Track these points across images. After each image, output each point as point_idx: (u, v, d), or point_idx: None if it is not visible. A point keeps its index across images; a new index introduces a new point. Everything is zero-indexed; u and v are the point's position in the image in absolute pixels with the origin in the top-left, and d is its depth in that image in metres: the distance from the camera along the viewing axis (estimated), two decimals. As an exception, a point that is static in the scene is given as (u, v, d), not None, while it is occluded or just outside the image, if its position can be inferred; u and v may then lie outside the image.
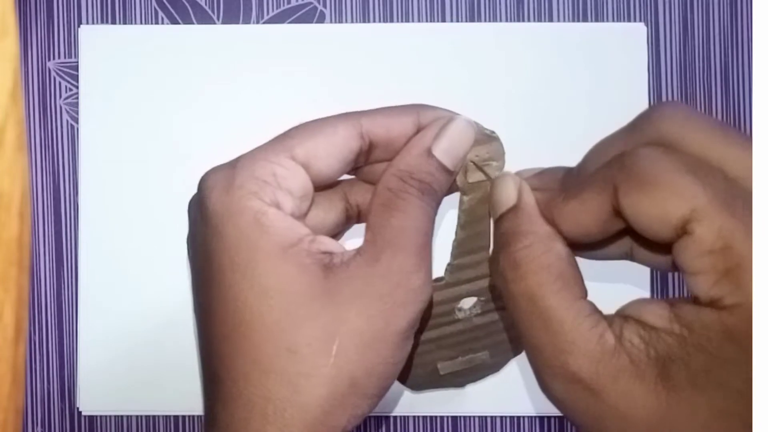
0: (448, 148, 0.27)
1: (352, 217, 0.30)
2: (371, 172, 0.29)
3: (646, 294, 0.42)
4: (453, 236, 0.29)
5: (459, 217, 0.29)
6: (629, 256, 0.27)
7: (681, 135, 0.23)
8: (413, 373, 0.31)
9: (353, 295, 0.25)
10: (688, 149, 0.23)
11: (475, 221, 0.29)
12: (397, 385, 0.29)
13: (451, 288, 0.30)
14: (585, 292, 0.25)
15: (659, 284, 0.42)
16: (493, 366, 0.32)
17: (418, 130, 0.28)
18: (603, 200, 0.23)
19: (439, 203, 0.28)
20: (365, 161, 0.28)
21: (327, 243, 0.26)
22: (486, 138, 0.28)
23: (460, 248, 0.29)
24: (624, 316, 0.24)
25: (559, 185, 0.26)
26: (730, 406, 0.21)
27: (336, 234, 0.30)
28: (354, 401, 0.25)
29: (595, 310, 0.24)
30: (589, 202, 0.24)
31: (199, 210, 0.27)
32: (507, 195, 0.27)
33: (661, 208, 0.22)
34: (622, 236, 0.27)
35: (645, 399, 0.22)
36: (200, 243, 0.27)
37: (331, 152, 0.27)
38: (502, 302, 0.27)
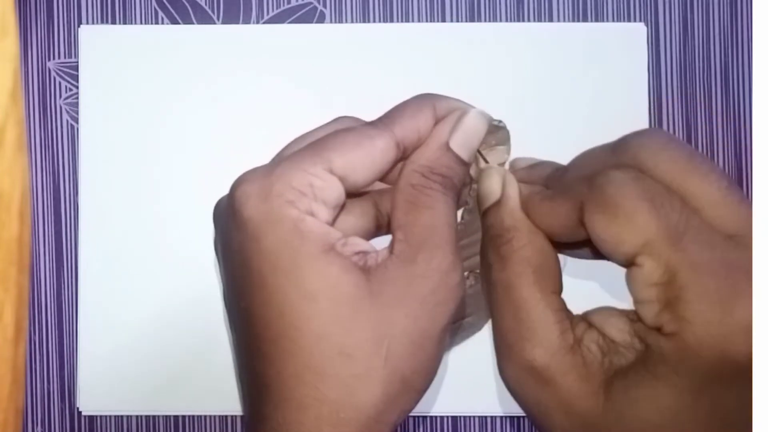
0: (463, 140, 0.28)
1: (382, 226, 0.30)
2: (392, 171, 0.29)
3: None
4: (459, 219, 0.30)
5: (467, 202, 0.30)
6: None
7: (654, 163, 0.24)
8: None
9: (397, 297, 0.26)
10: (658, 177, 0.24)
11: (477, 222, 0.30)
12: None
13: None
14: (560, 288, 0.26)
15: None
16: (474, 326, 0.33)
17: (436, 122, 0.28)
18: (571, 210, 0.25)
19: (458, 195, 0.29)
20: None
21: (358, 243, 0.27)
22: (494, 128, 0.29)
23: (466, 230, 0.30)
24: (588, 322, 0.26)
25: (543, 182, 0.28)
26: (657, 421, 0.23)
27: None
28: (404, 398, 0.26)
29: (565, 308, 0.26)
30: (559, 208, 0.25)
31: (233, 218, 0.27)
32: (491, 190, 0.28)
33: (617, 236, 0.23)
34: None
35: (586, 399, 0.24)
36: (235, 250, 0.27)
37: (368, 165, 0.27)
38: None
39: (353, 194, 0.29)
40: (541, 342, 0.25)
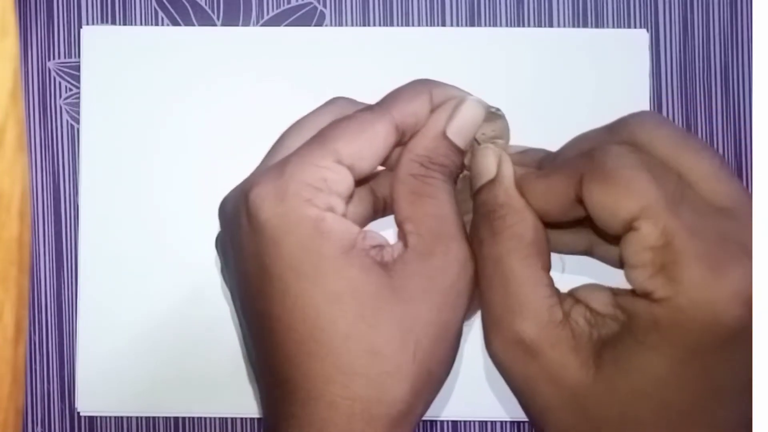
0: (460, 128, 0.28)
1: (378, 210, 0.30)
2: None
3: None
4: None
5: (456, 184, 0.30)
6: (589, 253, 0.29)
7: (649, 139, 0.25)
8: None
9: (420, 291, 0.26)
10: (654, 154, 0.24)
11: (467, 191, 0.30)
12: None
13: None
14: (549, 266, 0.26)
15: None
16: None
17: (432, 109, 0.28)
18: (568, 185, 0.25)
19: (455, 182, 0.29)
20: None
21: (374, 236, 0.27)
22: (491, 116, 0.29)
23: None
24: (575, 298, 0.26)
25: (536, 165, 0.28)
26: (648, 390, 0.23)
27: (364, 226, 0.31)
28: (430, 389, 0.27)
29: (553, 285, 0.26)
30: (556, 184, 0.26)
31: (249, 221, 0.26)
32: (487, 167, 0.28)
33: (615, 202, 0.24)
34: (583, 230, 0.28)
35: (576, 371, 0.24)
36: (251, 254, 0.26)
37: (373, 152, 0.27)
38: None
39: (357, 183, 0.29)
40: (530, 315, 0.25)
